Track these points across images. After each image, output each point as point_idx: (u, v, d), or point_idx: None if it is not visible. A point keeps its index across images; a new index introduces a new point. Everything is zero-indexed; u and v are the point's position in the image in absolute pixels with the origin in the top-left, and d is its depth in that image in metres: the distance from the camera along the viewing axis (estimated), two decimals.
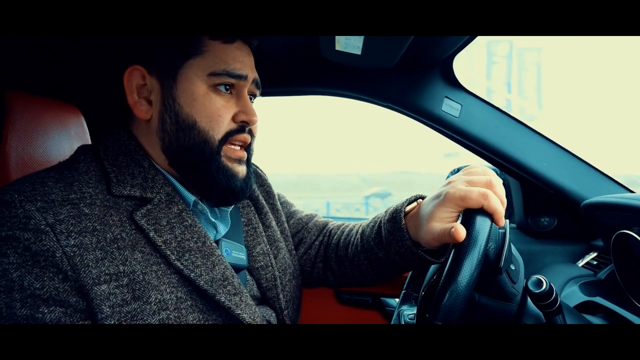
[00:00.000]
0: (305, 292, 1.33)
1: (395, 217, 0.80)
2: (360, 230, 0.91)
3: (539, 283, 0.64)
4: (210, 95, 0.71)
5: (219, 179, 0.72)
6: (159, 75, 0.72)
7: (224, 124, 0.72)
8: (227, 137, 0.73)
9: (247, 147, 0.78)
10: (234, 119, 0.73)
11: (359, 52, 0.93)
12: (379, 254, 0.83)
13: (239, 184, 0.74)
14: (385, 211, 0.85)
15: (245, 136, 0.75)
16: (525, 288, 0.66)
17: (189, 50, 0.71)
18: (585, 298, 0.91)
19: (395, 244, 0.79)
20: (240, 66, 0.73)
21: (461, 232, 0.62)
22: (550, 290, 0.64)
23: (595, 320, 0.83)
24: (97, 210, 0.63)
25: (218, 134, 0.71)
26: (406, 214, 0.80)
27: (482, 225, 0.62)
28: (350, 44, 0.90)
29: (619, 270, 0.93)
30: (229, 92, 0.73)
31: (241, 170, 0.75)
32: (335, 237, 0.97)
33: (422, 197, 0.82)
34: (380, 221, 0.84)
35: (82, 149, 0.73)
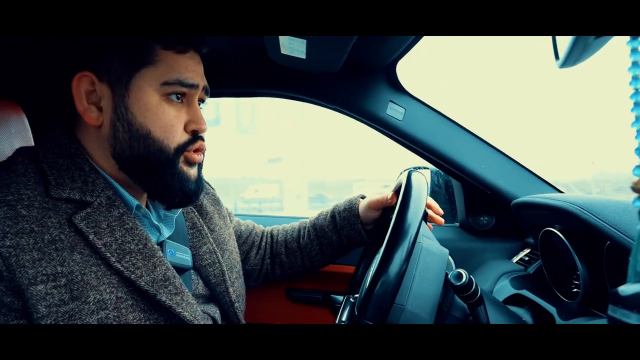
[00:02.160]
0: (258, 291, 1.35)
1: (351, 206, 1.05)
2: (310, 225, 1.11)
3: (459, 276, 0.69)
4: (163, 105, 0.72)
5: (174, 184, 0.74)
6: (111, 83, 0.71)
7: (177, 134, 0.73)
8: (183, 149, 0.74)
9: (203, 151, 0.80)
10: (185, 128, 0.74)
11: (303, 56, 0.96)
12: (333, 237, 1.07)
13: (192, 187, 0.76)
14: (337, 204, 1.09)
15: (200, 143, 0.77)
16: (448, 281, 0.71)
17: (141, 60, 0.71)
18: (513, 291, 0.97)
19: (348, 227, 1.05)
20: (192, 75, 0.74)
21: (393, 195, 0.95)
22: (469, 282, 0.69)
23: (520, 311, 0.90)
24: (35, 212, 0.63)
25: (172, 143, 0.72)
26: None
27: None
28: (294, 48, 0.92)
29: (545, 265, 1.00)
30: (180, 100, 0.74)
31: (193, 173, 0.77)
32: (280, 235, 1.13)
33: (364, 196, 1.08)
34: (334, 211, 1.08)
35: (20, 150, 0.72)
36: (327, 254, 1.09)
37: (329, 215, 1.08)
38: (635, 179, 0.49)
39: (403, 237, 0.68)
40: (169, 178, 0.73)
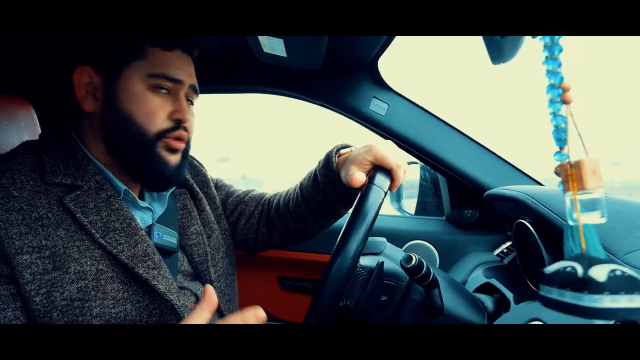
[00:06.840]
0: (250, 279, 1.42)
1: (328, 162, 0.90)
2: (298, 186, 1.02)
3: (409, 259, 0.73)
4: (147, 94, 0.80)
5: (151, 166, 0.82)
6: (104, 74, 0.81)
7: (159, 121, 0.81)
8: (163, 134, 0.81)
9: (186, 141, 0.87)
10: (169, 117, 0.82)
11: (284, 54, 1.02)
12: (318, 197, 0.94)
13: (168, 172, 0.84)
14: (319, 161, 0.95)
15: (181, 132, 0.84)
16: (400, 264, 0.75)
17: (132, 55, 0.80)
18: (484, 280, 1.01)
19: (331, 185, 0.90)
20: (177, 72, 0.83)
21: (356, 180, 0.77)
22: (419, 265, 0.73)
23: (485, 297, 0.93)
24: (25, 194, 0.73)
25: (153, 128, 0.80)
26: (340, 157, 0.90)
27: (383, 183, 0.74)
28: (274, 47, 0.98)
29: (519, 255, 1.02)
30: (166, 93, 0.82)
31: (173, 159, 0.84)
32: (274, 202, 1.07)
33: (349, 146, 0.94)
34: (316, 169, 0.95)
35: (23, 143, 0.83)
36: (318, 215, 0.99)
37: (312, 174, 0.98)
38: (557, 163, 0.54)
39: (362, 219, 0.72)
40: (148, 160, 0.81)
